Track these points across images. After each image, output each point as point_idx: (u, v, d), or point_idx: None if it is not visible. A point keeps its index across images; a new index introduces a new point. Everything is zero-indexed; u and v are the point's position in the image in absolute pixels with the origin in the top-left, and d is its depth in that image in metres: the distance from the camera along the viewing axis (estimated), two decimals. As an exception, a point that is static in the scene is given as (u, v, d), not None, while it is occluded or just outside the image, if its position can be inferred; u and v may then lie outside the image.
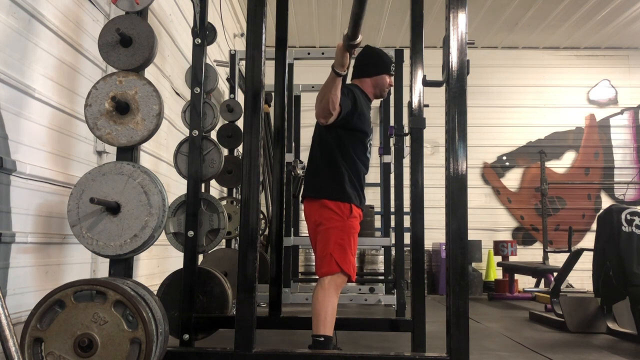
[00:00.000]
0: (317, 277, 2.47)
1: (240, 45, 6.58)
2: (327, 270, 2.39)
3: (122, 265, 1.99)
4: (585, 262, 4.61)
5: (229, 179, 4.15)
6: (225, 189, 5.04)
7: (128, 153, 2.04)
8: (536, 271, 6.08)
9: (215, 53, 5.29)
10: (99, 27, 2.33)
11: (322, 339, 2.30)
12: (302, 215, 5.90)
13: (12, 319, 1.41)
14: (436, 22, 6.78)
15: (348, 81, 2.63)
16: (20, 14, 2.18)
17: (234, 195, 4.38)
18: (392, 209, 4.61)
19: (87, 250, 1.96)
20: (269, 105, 6.21)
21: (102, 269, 2.79)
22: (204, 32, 2.86)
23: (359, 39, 2.14)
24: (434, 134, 5.77)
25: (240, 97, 3.82)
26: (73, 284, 1.79)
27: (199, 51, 2.85)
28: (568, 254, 4.75)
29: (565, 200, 7.89)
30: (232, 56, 4.78)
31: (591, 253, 3.98)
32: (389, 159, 4.85)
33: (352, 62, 2.49)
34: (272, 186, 3.41)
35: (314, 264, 6.42)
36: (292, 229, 4.75)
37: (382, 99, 5.88)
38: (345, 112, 2.40)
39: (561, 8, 6.85)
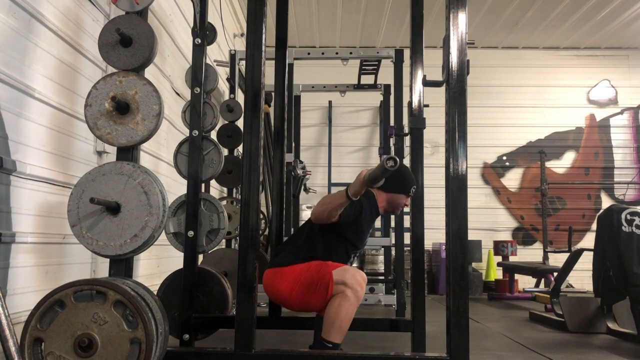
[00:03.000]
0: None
1: (240, 45, 6.58)
2: (332, 290, 2.31)
3: (122, 265, 1.99)
4: (585, 262, 4.61)
5: (229, 179, 4.15)
6: (225, 189, 5.04)
7: (128, 153, 2.04)
8: (536, 271, 6.08)
9: (215, 53, 5.29)
10: (99, 27, 2.33)
11: (331, 345, 2.28)
12: (302, 215, 5.93)
13: (12, 319, 1.41)
14: (436, 22, 6.78)
15: None
16: (20, 14, 2.18)
17: (234, 195, 4.38)
18: (392, 209, 4.60)
19: (87, 250, 1.95)
20: (269, 105, 6.21)
21: (102, 269, 2.79)
22: (204, 32, 2.86)
23: (379, 184, 2.37)
24: (434, 134, 5.78)
25: (240, 97, 3.82)
26: (73, 284, 1.79)
27: (199, 51, 2.85)
28: (568, 254, 4.75)
29: (565, 200, 7.89)
30: (232, 56, 4.78)
31: (591, 253, 3.98)
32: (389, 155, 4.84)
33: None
34: (272, 186, 3.41)
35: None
36: (292, 229, 4.75)
37: (382, 100, 5.90)
38: (343, 220, 2.38)
39: (561, 8, 6.85)
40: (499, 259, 6.92)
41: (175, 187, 3.81)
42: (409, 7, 2.86)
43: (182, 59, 4.30)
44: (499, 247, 6.90)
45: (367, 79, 5.70)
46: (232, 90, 4.63)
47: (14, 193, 2.14)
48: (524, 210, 7.88)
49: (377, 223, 6.33)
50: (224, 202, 3.99)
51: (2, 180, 2.06)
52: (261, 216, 5.11)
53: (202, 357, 2.14)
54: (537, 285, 6.36)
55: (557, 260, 6.43)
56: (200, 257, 3.29)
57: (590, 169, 7.95)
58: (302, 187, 4.88)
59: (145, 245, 1.94)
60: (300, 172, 4.49)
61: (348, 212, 2.37)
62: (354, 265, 2.66)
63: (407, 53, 3.09)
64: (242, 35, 6.74)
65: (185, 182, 2.79)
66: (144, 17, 2.10)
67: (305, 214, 6.13)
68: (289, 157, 3.80)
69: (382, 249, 5.77)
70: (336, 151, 7.88)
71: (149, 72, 2.78)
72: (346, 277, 2.30)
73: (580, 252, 4.61)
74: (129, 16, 2.06)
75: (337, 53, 4.73)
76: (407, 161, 2.93)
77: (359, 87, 5.62)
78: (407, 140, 3.14)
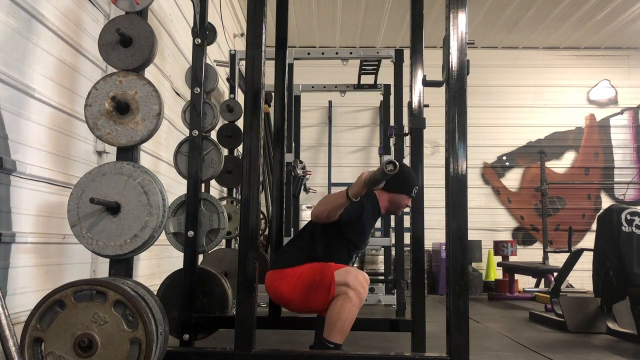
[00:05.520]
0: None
1: (240, 45, 6.58)
2: (334, 291, 2.30)
3: (122, 265, 1.99)
4: (585, 262, 4.61)
5: (229, 179, 4.15)
6: (225, 189, 5.04)
7: (128, 153, 2.04)
8: (536, 271, 6.08)
9: (215, 53, 5.29)
10: (99, 27, 2.33)
11: (332, 345, 2.28)
12: (302, 215, 5.93)
13: (12, 319, 1.41)
14: (436, 22, 6.78)
15: None
16: (20, 14, 2.18)
17: (234, 195, 4.38)
18: (392, 209, 4.60)
19: (87, 250, 1.95)
20: (269, 105, 6.21)
21: (102, 269, 2.79)
22: (204, 32, 2.86)
23: (379, 187, 2.33)
24: (434, 134, 5.77)
25: (240, 97, 3.82)
26: (73, 284, 1.79)
27: (199, 51, 2.85)
28: (568, 254, 4.75)
29: (565, 200, 7.89)
30: (232, 56, 4.78)
31: (591, 253, 3.98)
32: (389, 159, 4.84)
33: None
34: (272, 186, 3.41)
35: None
36: (292, 229, 4.75)
37: (382, 100, 5.90)
38: (344, 220, 2.38)
39: (561, 8, 6.85)
40: (499, 259, 6.92)
41: (175, 187, 3.81)
42: (409, 7, 2.86)
43: (182, 59, 4.30)
44: (499, 247, 6.90)
45: (367, 79, 5.70)
46: (232, 90, 4.63)
47: (14, 193, 2.14)
48: (524, 210, 7.88)
49: (378, 223, 6.32)
50: (224, 202, 3.99)
51: (2, 180, 2.06)
52: (261, 216, 5.11)
53: (202, 357, 2.14)
54: (537, 285, 6.37)
55: (557, 260, 6.43)
56: (200, 257, 3.29)
57: (590, 169, 7.95)
58: (302, 187, 4.88)
59: (145, 245, 1.94)
60: (300, 172, 4.49)
61: (349, 211, 2.36)
62: (355, 265, 2.63)
63: (407, 53, 3.09)
64: (242, 35, 6.74)
65: (185, 182, 2.79)
66: (144, 17, 2.10)
67: (305, 214, 6.13)
68: (289, 157, 3.80)
69: (382, 249, 5.77)
70: (336, 151, 7.88)
71: (149, 72, 2.78)
72: (348, 278, 2.29)
73: (580, 252, 4.61)
74: (129, 16, 2.06)
75: (337, 53, 4.73)
76: (407, 161, 2.93)
77: (359, 87, 5.63)
78: (407, 140, 3.14)
